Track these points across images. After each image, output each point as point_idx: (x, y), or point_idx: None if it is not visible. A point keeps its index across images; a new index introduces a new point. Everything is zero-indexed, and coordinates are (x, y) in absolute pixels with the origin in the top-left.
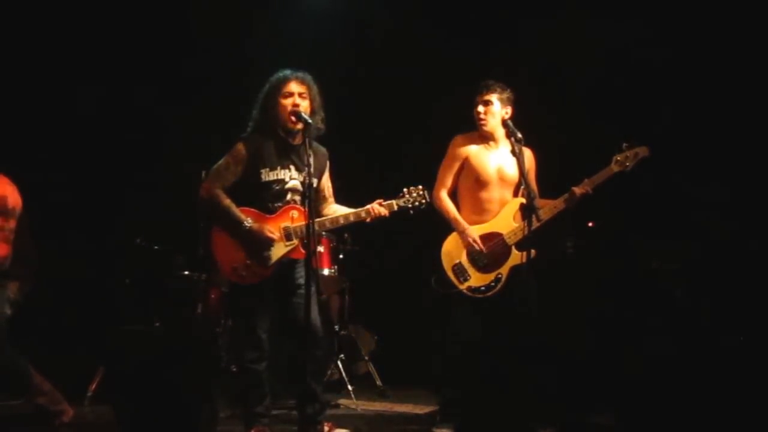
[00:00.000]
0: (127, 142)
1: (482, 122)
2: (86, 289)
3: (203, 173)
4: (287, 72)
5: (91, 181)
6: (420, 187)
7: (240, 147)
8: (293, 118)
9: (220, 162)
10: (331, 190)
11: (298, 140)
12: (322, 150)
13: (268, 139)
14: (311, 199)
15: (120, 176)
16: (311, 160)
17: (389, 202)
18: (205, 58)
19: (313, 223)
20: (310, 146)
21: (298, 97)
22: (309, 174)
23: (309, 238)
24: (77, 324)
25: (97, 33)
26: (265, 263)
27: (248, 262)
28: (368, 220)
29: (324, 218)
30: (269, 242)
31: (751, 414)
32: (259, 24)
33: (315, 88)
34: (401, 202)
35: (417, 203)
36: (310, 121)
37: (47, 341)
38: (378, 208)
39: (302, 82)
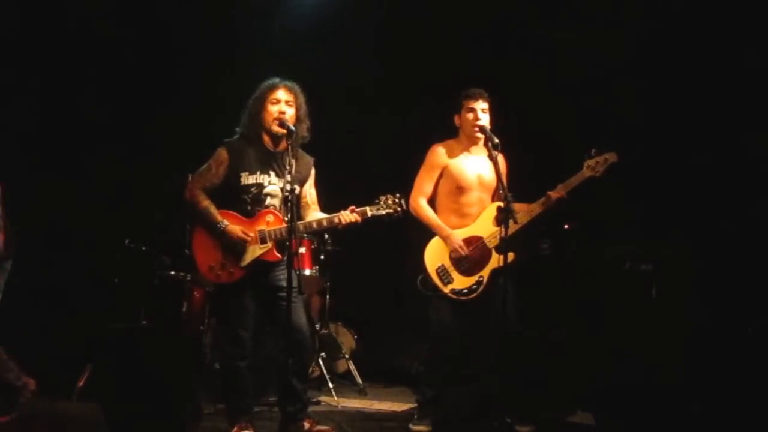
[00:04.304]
0: (116, 144)
1: (477, 128)
2: (75, 287)
3: (189, 176)
4: (276, 80)
5: (81, 183)
6: (397, 195)
7: (222, 151)
8: (278, 125)
9: (204, 165)
10: (314, 197)
11: (281, 147)
12: (307, 158)
13: (251, 144)
14: (293, 203)
15: (110, 179)
16: (293, 168)
17: (362, 208)
18: (194, 59)
19: (292, 227)
20: (294, 154)
21: (285, 104)
22: (290, 180)
23: (290, 240)
24: (66, 322)
25: (89, 34)
26: (239, 264)
27: (223, 261)
28: (340, 226)
29: (297, 223)
30: (243, 243)
31: (729, 412)
32: (246, 27)
33: (302, 97)
34: (375, 210)
35: (392, 211)
36: (293, 129)
37: (36, 338)
38: (348, 215)
39: (290, 90)
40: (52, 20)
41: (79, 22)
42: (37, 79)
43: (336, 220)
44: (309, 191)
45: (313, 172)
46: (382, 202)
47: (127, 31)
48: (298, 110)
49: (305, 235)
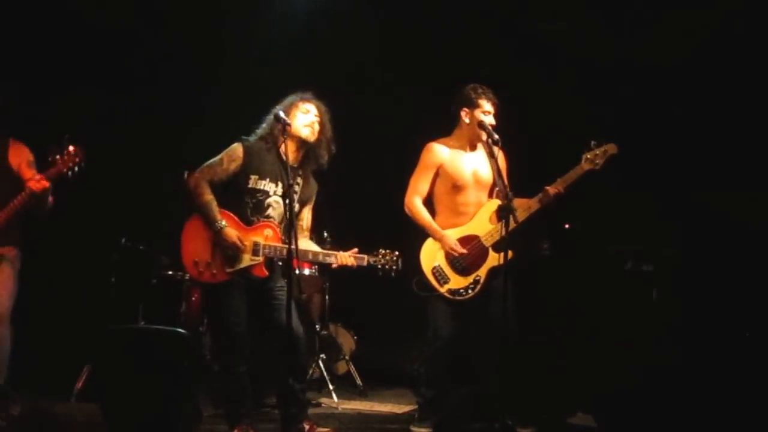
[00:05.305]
0: (112, 143)
1: (493, 126)
2: (72, 287)
3: (185, 173)
4: (309, 93)
5: (77, 181)
6: (396, 253)
7: (238, 147)
8: (308, 131)
9: (215, 158)
10: (309, 222)
11: (295, 161)
12: (314, 183)
13: (268, 150)
14: (292, 201)
15: (106, 177)
16: (298, 187)
17: (361, 256)
18: (189, 60)
19: (294, 226)
20: (303, 173)
21: (315, 117)
22: (293, 176)
23: (290, 242)
24: (63, 322)
25: (83, 32)
26: (225, 268)
27: (210, 261)
28: (334, 265)
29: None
30: (236, 250)
31: (728, 413)
32: (240, 27)
33: (327, 118)
34: (372, 260)
35: (387, 267)
36: (288, 120)
37: (35, 339)
38: (346, 257)
39: (319, 107)
40: (47, 18)
41: (76, 22)
42: (33, 76)
43: (331, 258)
44: (307, 216)
45: (314, 198)
46: (380, 256)
47: (124, 29)
48: (322, 129)
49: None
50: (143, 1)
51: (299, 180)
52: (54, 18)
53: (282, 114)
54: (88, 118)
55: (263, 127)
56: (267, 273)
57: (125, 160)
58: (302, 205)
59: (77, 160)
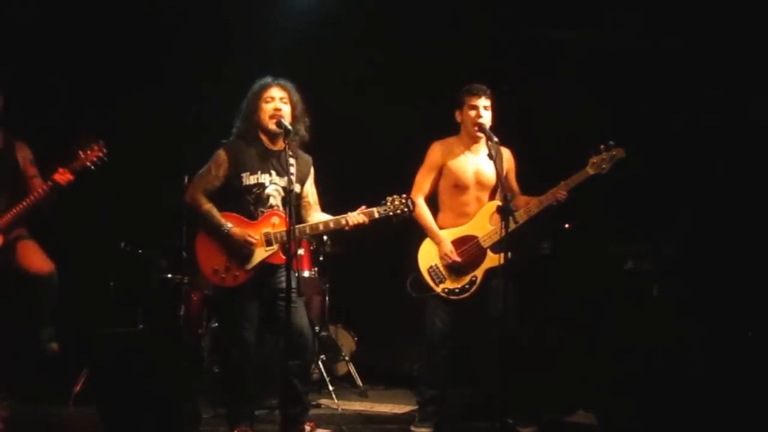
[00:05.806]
0: (111, 147)
1: (480, 125)
2: (71, 291)
3: (185, 178)
4: (268, 79)
5: (76, 184)
6: (403, 196)
7: (221, 152)
8: (274, 122)
9: (203, 168)
10: (315, 197)
11: (279, 146)
12: (306, 157)
13: (249, 144)
14: (291, 204)
15: (104, 181)
16: (293, 168)
17: (370, 209)
18: (188, 62)
19: (293, 227)
20: (293, 153)
21: (279, 101)
22: (290, 180)
23: (290, 241)
24: (62, 325)
25: (79, 35)
26: (245, 266)
27: (228, 265)
28: (347, 227)
29: (304, 225)
30: (249, 246)
31: (728, 412)
32: (241, 29)
33: (296, 95)
34: (383, 210)
35: (399, 211)
36: (290, 128)
37: (32, 343)
38: (356, 216)
39: (283, 88)
40: (45, 18)
41: (73, 22)
42: (32, 78)
43: (343, 222)
44: (310, 190)
45: (312, 171)
46: (389, 204)
47: (122, 30)
48: (294, 108)
49: (312, 237)
50: (142, 7)
51: (292, 161)
52: (54, 23)
53: (284, 122)
54: (88, 121)
55: (237, 126)
56: (285, 258)
57: (125, 164)
58: (302, 182)
59: (101, 154)
